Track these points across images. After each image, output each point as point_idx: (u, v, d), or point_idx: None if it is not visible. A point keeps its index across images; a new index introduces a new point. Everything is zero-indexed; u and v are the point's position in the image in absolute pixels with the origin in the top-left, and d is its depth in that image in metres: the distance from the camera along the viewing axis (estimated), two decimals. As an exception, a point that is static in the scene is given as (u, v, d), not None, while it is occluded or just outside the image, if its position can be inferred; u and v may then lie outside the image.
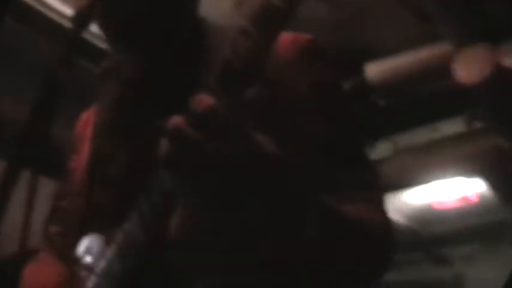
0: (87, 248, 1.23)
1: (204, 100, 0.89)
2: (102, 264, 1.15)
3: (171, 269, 1.08)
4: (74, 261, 1.29)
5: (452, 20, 3.28)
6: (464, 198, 5.02)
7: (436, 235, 5.93)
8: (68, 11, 3.41)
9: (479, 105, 3.80)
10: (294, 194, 1.00)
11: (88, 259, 1.21)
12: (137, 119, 1.28)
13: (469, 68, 3.30)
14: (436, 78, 3.68)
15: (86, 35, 1.15)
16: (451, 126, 4.30)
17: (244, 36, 0.91)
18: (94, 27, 1.18)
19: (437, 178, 4.57)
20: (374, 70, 3.65)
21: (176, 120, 0.90)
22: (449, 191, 4.93)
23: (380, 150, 4.46)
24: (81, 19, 1.13)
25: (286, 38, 1.14)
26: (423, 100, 3.93)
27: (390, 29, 3.57)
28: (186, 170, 0.90)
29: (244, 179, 0.93)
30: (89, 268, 1.20)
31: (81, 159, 1.36)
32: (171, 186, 0.95)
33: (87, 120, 1.44)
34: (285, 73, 1.14)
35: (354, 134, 1.24)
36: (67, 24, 3.31)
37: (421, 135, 4.41)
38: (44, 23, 3.46)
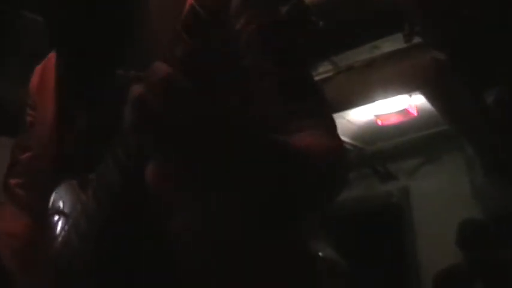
0: (58, 194, 1.25)
1: (160, 68, 0.92)
2: (77, 207, 1.17)
3: (146, 209, 1.11)
4: (40, 211, 1.31)
5: None
6: (405, 113, 5.13)
7: (380, 151, 6.09)
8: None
9: (416, 21, 3.83)
10: (249, 137, 1.04)
11: (60, 204, 1.23)
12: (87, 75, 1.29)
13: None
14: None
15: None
16: (391, 44, 4.34)
17: None
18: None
19: (379, 96, 4.64)
20: (312, -8, 3.62)
21: (137, 89, 0.93)
22: (391, 107, 5.04)
23: (321, 71, 4.49)
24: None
25: None
26: (362, 19, 3.93)
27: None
28: (150, 135, 0.95)
29: (207, 136, 0.97)
30: (61, 212, 1.22)
31: (43, 114, 1.37)
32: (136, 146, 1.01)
33: (41, 75, 1.45)
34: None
35: (299, 63, 1.25)
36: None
37: (361, 54, 4.44)
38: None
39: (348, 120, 5.30)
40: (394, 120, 5.24)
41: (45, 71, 1.46)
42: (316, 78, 4.22)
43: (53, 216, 1.25)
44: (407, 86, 4.60)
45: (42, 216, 1.29)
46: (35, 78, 1.48)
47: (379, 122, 5.27)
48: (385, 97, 4.74)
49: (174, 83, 0.93)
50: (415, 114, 5.16)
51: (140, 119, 0.95)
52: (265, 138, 1.08)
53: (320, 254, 3.91)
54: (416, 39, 4.06)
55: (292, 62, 1.21)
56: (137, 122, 0.95)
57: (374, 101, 4.76)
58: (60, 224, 1.23)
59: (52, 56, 1.45)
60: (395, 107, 5.04)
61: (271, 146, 1.07)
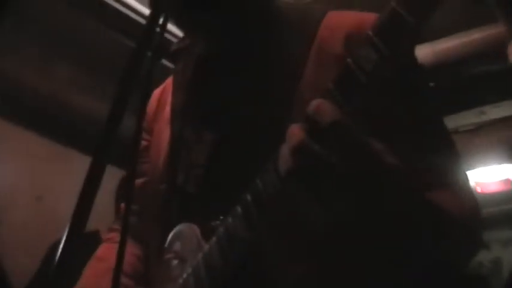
0: (177, 235, 1.20)
1: (327, 111, 0.85)
2: (198, 255, 1.12)
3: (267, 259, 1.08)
4: (152, 244, 1.27)
5: (507, 2, 3.20)
6: (506, 182, 4.96)
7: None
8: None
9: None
10: (402, 190, 0.98)
11: (178, 246, 1.19)
12: (213, 101, 1.25)
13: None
14: (487, 61, 3.61)
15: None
16: (500, 110, 4.23)
17: (371, 48, 0.85)
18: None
19: (481, 163, 4.51)
20: (424, 52, 3.58)
21: (297, 133, 0.87)
22: (492, 175, 4.88)
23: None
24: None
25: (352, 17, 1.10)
26: (472, 83, 3.85)
27: (441, 10, 3.50)
28: (309, 180, 0.89)
29: (360, 184, 0.91)
30: (179, 254, 1.18)
31: (159, 140, 1.33)
32: (286, 191, 0.94)
33: (158, 99, 1.41)
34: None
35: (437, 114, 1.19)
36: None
37: (467, 119, 4.34)
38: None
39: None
40: (494, 188, 5.07)
41: (163, 95, 1.41)
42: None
43: (169, 256, 1.21)
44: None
45: (157, 252, 1.25)
46: (152, 102, 1.41)
47: (479, 189, 5.10)
48: (488, 164, 4.60)
49: (346, 127, 0.85)
50: (517, 184, 4.99)
51: (302, 164, 0.87)
52: (416, 194, 1.02)
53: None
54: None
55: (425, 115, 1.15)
56: (298, 167, 0.88)
57: (475, 168, 4.63)
58: (175, 266, 1.19)
59: (170, 81, 1.41)
60: (497, 175, 4.88)
61: (421, 202, 1.01)
